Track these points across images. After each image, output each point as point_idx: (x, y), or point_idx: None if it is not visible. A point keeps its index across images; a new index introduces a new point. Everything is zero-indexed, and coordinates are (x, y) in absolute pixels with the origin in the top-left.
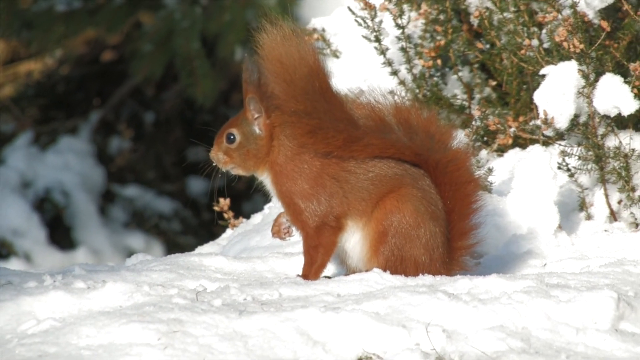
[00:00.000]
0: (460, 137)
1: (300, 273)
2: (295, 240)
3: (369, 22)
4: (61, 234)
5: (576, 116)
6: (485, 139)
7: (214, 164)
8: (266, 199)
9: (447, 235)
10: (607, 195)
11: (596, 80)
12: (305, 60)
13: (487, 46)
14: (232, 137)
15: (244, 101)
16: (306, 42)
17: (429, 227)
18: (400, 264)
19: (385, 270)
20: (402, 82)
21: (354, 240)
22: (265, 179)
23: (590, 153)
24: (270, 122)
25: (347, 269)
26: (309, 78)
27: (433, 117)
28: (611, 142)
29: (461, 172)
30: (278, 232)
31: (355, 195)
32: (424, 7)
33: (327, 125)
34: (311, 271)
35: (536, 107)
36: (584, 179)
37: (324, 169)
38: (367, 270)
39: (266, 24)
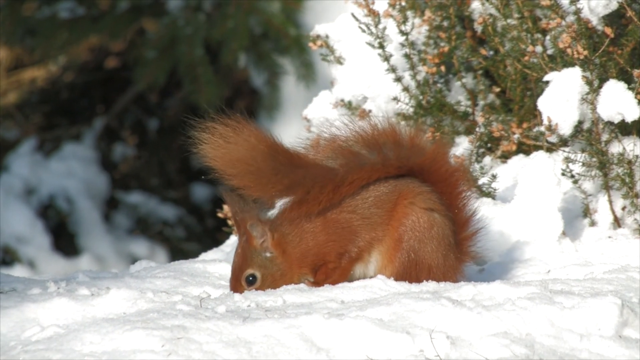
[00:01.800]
0: (428, 135)
1: (312, 280)
2: None
3: (373, 29)
4: (65, 241)
5: (580, 122)
6: (489, 145)
7: None
8: None
9: (453, 228)
10: (611, 202)
11: (600, 86)
12: (259, 143)
13: (491, 52)
14: (251, 278)
15: (240, 232)
16: (247, 126)
17: (441, 225)
18: (414, 267)
19: (400, 275)
20: (405, 89)
21: (372, 266)
22: (297, 280)
23: (594, 159)
24: (277, 239)
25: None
26: (273, 156)
27: (393, 126)
28: (615, 148)
29: (445, 167)
30: None
31: (370, 222)
32: (427, 13)
33: (311, 186)
34: (324, 283)
35: (540, 113)
36: (587, 185)
37: (327, 218)
38: (371, 277)
39: (202, 133)
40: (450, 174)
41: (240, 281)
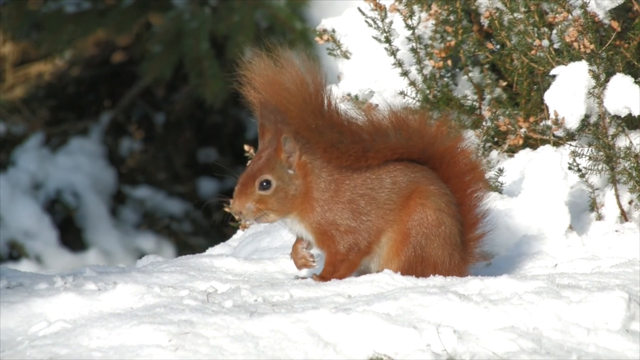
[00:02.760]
0: (454, 130)
1: (318, 274)
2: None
3: (379, 23)
4: (72, 236)
5: (587, 116)
6: (495, 139)
7: (238, 217)
8: None
9: (461, 230)
10: (617, 196)
11: (607, 80)
12: (312, 79)
13: (498, 47)
14: (265, 183)
15: (265, 141)
16: (306, 61)
17: (448, 225)
18: (420, 263)
19: (404, 271)
20: (412, 83)
21: (377, 258)
22: (294, 217)
23: (601, 153)
24: (303, 161)
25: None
26: (319, 95)
27: (424, 116)
28: (622, 142)
29: (464, 162)
30: (305, 263)
31: (384, 208)
32: (434, 7)
33: (345, 137)
34: (331, 278)
35: (547, 107)
36: (594, 179)
37: (353, 194)
38: (377, 271)
39: (259, 55)
40: (467, 171)
41: (255, 181)
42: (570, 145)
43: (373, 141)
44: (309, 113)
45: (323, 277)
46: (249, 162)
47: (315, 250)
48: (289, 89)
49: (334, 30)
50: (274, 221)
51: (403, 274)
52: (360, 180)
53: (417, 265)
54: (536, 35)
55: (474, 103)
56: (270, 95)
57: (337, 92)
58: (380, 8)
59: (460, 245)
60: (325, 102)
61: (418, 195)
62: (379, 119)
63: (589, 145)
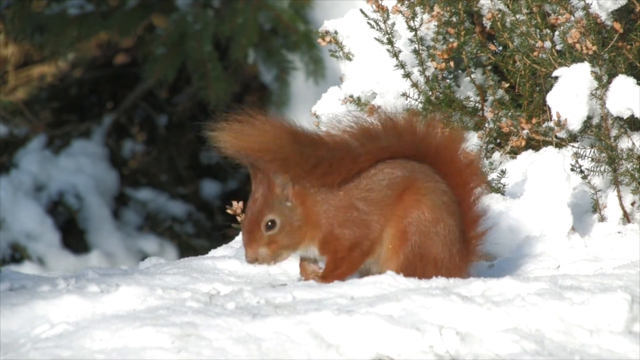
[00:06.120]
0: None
1: (319, 274)
2: None
3: (382, 25)
4: (74, 238)
5: (589, 118)
6: (498, 141)
7: (256, 265)
8: None
9: (461, 227)
10: (620, 197)
11: (609, 82)
12: (280, 131)
13: (500, 48)
14: (270, 223)
15: (257, 181)
16: (263, 118)
17: (447, 222)
18: (419, 261)
19: (404, 270)
20: (415, 85)
21: (379, 254)
22: (307, 244)
23: (604, 155)
24: (297, 190)
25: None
26: (296, 140)
27: (412, 116)
28: (624, 143)
29: (461, 157)
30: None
31: (382, 204)
32: (436, 9)
33: (334, 159)
34: (332, 275)
35: (549, 109)
36: (597, 180)
37: (349, 200)
38: (380, 273)
39: (219, 129)
40: (465, 166)
41: (260, 224)
42: (573, 146)
43: (362, 145)
44: (293, 164)
45: (324, 276)
46: (247, 206)
47: (321, 263)
48: (266, 152)
49: (336, 32)
50: (285, 258)
51: (403, 272)
52: (355, 184)
53: (416, 264)
54: (538, 36)
55: (477, 104)
56: (253, 161)
57: (340, 94)
58: (382, 10)
59: (461, 243)
60: (304, 142)
61: (414, 191)
62: (368, 124)
63: (592, 146)
